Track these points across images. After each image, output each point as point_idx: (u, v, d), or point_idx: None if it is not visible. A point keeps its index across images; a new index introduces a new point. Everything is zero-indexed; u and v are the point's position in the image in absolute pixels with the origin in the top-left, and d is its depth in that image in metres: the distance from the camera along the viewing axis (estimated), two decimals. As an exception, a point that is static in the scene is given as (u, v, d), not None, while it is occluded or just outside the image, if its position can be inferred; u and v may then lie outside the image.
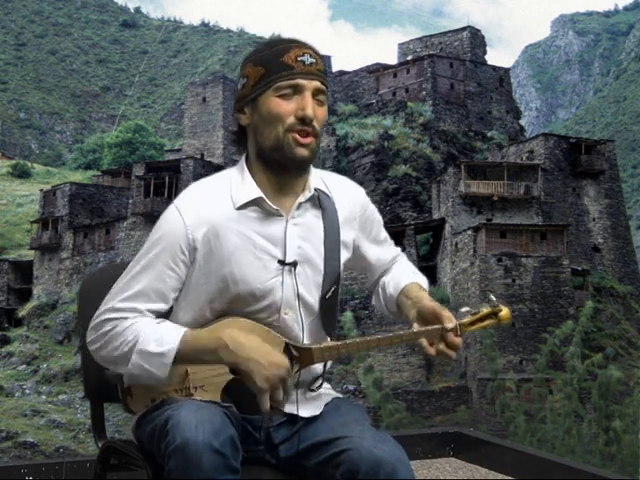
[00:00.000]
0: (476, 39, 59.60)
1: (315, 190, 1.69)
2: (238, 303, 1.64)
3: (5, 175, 67.78)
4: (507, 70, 57.65)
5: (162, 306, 1.63)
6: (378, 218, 1.86)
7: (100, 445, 1.80)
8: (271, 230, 1.64)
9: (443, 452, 3.41)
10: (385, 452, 1.53)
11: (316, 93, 1.63)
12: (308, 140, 1.61)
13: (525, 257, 34.67)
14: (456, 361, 34.15)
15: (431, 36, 63.25)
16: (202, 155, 53.88)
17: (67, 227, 48.75)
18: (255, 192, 1.64)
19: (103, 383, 1.78)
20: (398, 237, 36.39)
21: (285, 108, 1.60)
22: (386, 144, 47.12)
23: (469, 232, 35.73)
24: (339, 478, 1.55)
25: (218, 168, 49.95)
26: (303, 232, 1.67)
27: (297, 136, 1.60)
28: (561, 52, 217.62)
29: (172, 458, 1.44)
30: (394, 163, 46.14)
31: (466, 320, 1.68)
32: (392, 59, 71.46)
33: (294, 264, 1.65)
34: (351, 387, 31.62)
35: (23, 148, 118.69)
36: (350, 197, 1.77)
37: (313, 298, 1.69)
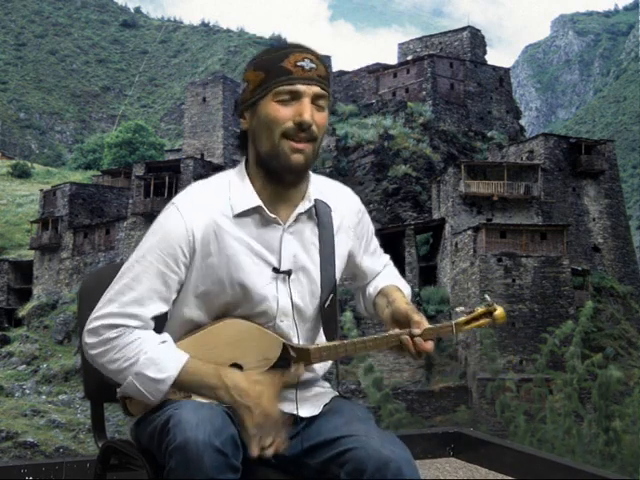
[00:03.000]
0: (476, 39, 59.60)
1: (315, 200, 1.69)
2: (234, 306, 1.65)
3: (5, 175, 67.78)
4: (507, 70, 57.63)
5: (164, 309, 1.63)
6: (371, 228, 1.87)
7: (100, 445, 1.80)
8: (268, 237, 1.65)
9: (443, 452, 3.41)
10: (393, 452, 1.52)
11: (316, 98, 1.61)
12: (302, 145, 1.60)
13: (525, 257, 34.64)
14: (456, 361, 34.15)
15: (431, 36, 63.25)
16: (202, 155, 53.88)
17: (67, 227, 48.71)
18: (254, 200, 1.64)
19: (103, 383, 1.77)
20: (398, 237, 36.26)
21: (283, 113, 1.59)
22: (386, 144, 47.09)
23: (469, 232, 35.70)
24: (344, 477, 1.55)
25: (218, 168, 49.97)
26: (299, 241, 1.68)
27: (292, 142, 1.59)
28: (561, 52, 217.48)
29: (173, 457, 1.43)
30: (394, 163, 46.12)
31: (461, 320, 1.71)
32: (392, 59, 71.53)
33: (288, 273, 1.66)
34: (351, 387, 31.61)
35: (23, 148, 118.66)
36: (346, 206, 1.77)
37: (307, 306, 1.70)
